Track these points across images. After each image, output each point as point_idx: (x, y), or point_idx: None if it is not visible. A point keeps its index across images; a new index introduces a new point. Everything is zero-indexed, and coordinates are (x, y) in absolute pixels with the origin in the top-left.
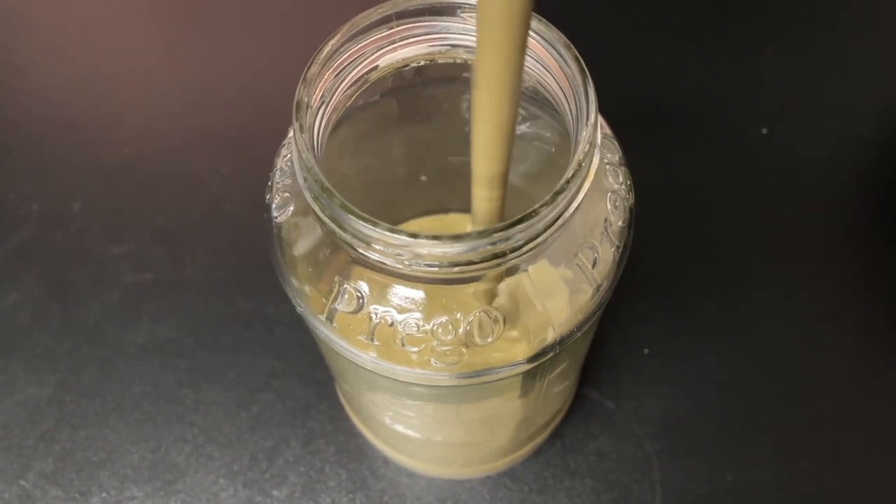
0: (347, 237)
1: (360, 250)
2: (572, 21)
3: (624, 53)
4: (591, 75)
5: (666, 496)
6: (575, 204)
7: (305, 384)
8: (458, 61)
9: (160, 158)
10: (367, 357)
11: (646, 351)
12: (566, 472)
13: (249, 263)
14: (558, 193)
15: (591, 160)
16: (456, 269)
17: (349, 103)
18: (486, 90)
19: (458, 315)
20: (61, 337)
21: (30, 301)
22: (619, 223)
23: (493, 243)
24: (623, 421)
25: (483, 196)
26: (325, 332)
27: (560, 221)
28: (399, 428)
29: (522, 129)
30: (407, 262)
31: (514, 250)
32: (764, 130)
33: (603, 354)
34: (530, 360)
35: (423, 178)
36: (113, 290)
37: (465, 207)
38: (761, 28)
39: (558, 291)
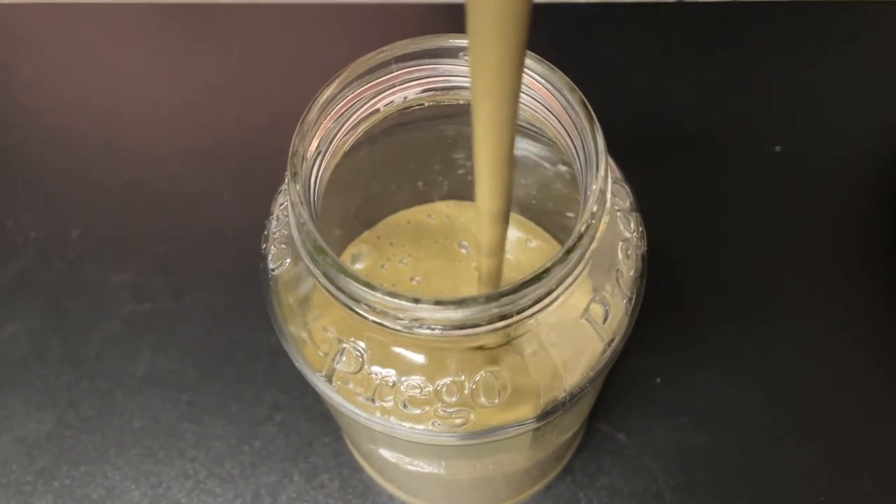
0: (344, 298)
1: (358, 311)
2: (577, 40)
3: (631, 71)
4: (597, 94)
5: None
6: (586, 260)
7: (309, 417)
8: (461, 102)
9: (160, 184)
10: (367, 417)
11: (658, 380)
12: None
13: (252, 292)
14: (569, 251)
15: (603, 213)
16: (460, 332)
17: (347, 149)
18: (482, 127)
19: (463, 377)
20: (60, 370)
21: (28, 332)
22: (631, 273)
23: (501, 307)
24: (635, 454)
25: (488, 231)
26: (324, 389)
27: (570, 279)
28: (403, 469)
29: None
30: (407, 326)
31: (521, 311)
32: (777, 148)
33: (614, 385)
34: (539, 418)
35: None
36: (113, 320)
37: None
38: (772, 43)
39: (568, 349)
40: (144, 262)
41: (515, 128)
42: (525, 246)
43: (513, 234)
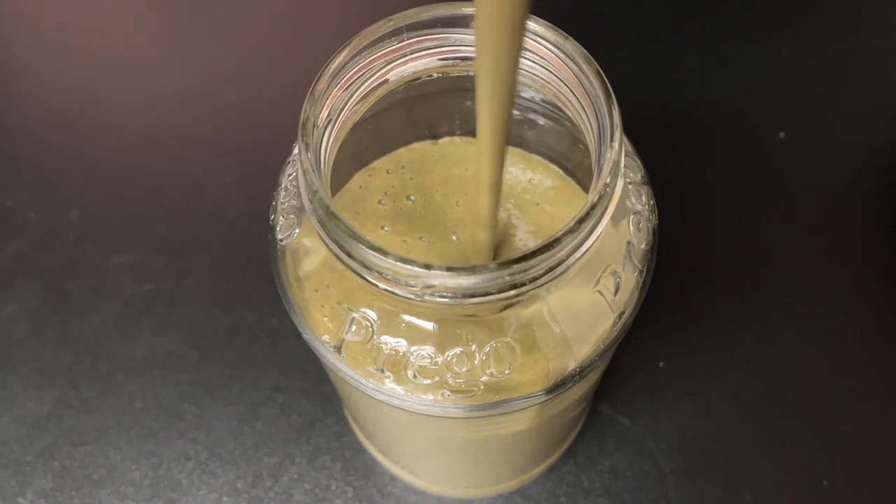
0: (355, 265)
1: (369, 279)
2: (583, 26)
3: (636, 58)
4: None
5: None
6: (598, 230)
7: (311, 399)
8: (472, 73)
9: (161, 166)
10: (376, 388)
11: (661, 364)
12: (579, 490)
13: (253, 273)
14: (582, 221)
15: (616, 184)
16: (471, 300)
17: (357, 119)
18: (484, 101)
19: (473, 346)
20: (60, 350)
21: (28, 313)
22: (642, 246)
23: (512, 274)
24: (638, 438)
25: (487, 202)
26: (333, 361)
27: (582, 249)
28: (406, 449)
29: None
30: (419, 293)
31: (533, 280)
32: (781, 135)
33: (617, 368)
34: (548, 391)
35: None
36: (113, 302)
37: None
38: (776, 29)
39: (579, 320)
40: (145, 244)
41: (513, 102)
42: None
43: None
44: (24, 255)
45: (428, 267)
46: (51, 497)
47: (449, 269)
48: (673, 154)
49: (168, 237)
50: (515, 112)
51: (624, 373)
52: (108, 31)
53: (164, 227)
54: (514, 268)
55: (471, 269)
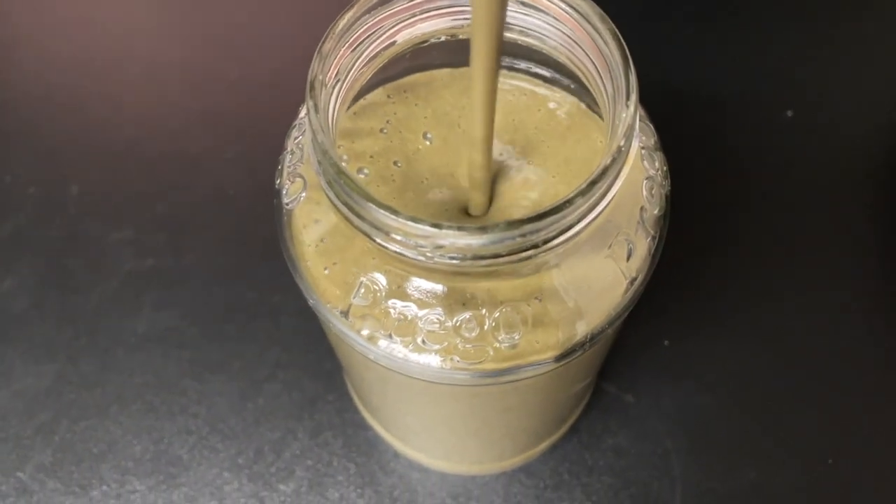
0: (365, 226)
1: (378, 240)
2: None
3: (642, 36)
4: None
5: (686, 494)
6: (612, 193)
7: (313, 375)
8: None
9: (161, 141)
10: (384, 354)
11: (666, 343)
12: (583, 468)
13: (254, 250)
14: (594, 183)
15: (630, 146)
16: (481, 262)
17: (364, 82)
18: (476, 60)
19: (484, 311)
20: (60, 325)
21: (27, 288)
22: (655, 212)
23: (524, 235)
24: (642, 416)
25: (478, 162)
26: (340, 326)
27: (595, 212)
28: (411, 423)
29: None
30: (429, 255)
31: (545, 242)
32: (789, 113)
33: (621, 346)
34: (558, 358)
35: None
36: (113, 278)
37: None
38: (784, 6)
39: (590, 286)
40: (145, 220)
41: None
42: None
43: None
44: (24, 231)
45: (438, 226)
46: (50, 471)
47: (459, 228)
48: (677, 133)
49: (168, 213)
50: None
51: (629, 351)
52: (108, 5)
53: (164, 203)
54: (524, 228)
55: (482, 229)
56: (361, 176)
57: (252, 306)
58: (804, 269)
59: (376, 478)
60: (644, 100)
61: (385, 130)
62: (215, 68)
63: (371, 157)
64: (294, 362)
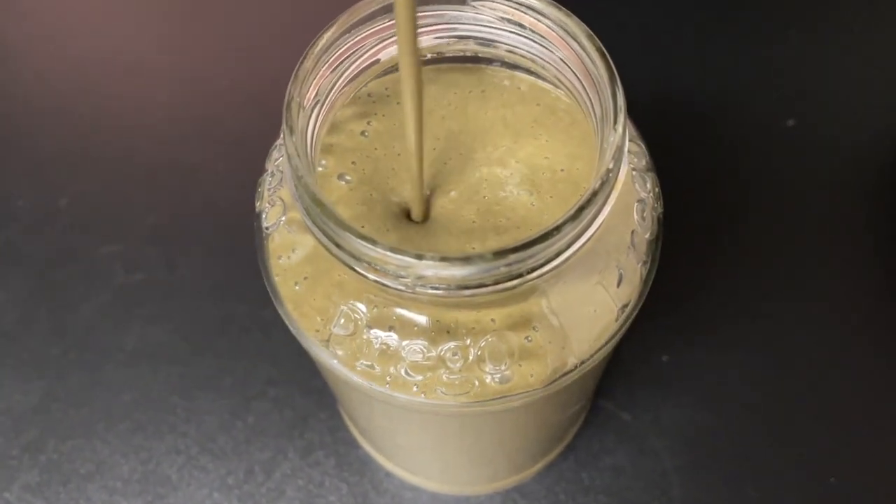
0: (343, 255)
1: (358, 269)
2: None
3: (641, 44)
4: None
5: None
6: (600, 219)
7: (304, 393)
8: (468, 54)
9: (152, 153)
10: (367, 385)
11: (664, 358)
12: (579, 487)
13: (246, 264)
14: (583, 208)
15: (619, 169)
16: (465, 292)
17: (347, 102)
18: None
19: (468, 341)
20: (48, 341)
21: (15, 303)
22: (647, 236)
23: (509, 265)
24: (640, 434)
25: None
26: (320, 355)
27: (583, 239)
28: (401, 443)
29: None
30: (410, 285)
31: (531, 271)
32: (790, 122)
33: (619, 362)
34: (547, 388)
35: None
36: (102, 292)
37: None
38: (783, 14)
39: (580, 314)
40: (136, 233)
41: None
42: None
43: None
44: (13, 244)
45: (420, 257)
46: (37, 491)
47: (442, 258)
48: (677, 143)
49: (159, 226)
50: None
51: (626, 367)
52: (100, 13)
53: (155, 217)
54: (510, 258)
55: (465, 259)
56: (342, 183)
57: (243, 321)
58: (805, 284)
59: (368, 497)
60: (638, 111)
61: (366, 133)
62: (208, 81)
63: (353, 163)
64: (285, 379)
